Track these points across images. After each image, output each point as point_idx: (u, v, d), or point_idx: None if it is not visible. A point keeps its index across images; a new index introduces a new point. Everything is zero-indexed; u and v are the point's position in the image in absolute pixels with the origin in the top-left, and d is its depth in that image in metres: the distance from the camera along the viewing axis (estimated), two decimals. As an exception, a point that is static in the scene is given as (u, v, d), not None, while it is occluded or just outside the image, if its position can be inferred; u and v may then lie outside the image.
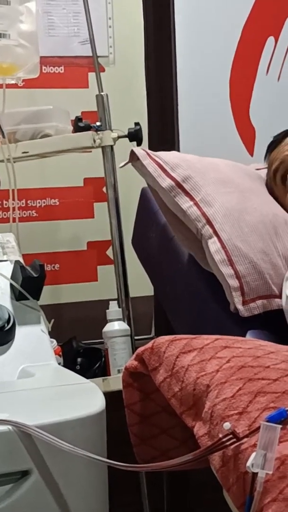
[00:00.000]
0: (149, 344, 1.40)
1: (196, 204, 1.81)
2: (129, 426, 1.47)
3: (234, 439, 1.09)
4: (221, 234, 1.76)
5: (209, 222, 1.78)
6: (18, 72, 2.17)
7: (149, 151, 1.93)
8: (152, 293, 2.45)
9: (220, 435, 1.10)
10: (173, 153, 1.99)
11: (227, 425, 1.10)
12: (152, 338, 1.45)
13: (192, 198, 1.82)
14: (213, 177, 1.87)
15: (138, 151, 1.92)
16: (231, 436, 1.09)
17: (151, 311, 2.58)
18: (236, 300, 1.72)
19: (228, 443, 1.09)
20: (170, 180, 1.84)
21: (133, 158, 1.92)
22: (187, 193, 1.82)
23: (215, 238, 1.77)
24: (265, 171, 2.07)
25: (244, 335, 1.65)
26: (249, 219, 1.80)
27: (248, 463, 1.05)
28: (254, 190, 1.91)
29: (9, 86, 2.20)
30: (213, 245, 1.76)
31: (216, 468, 1.14)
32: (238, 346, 1.31)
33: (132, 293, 2.33)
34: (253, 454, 1.04)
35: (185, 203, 1.82)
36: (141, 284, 2.38)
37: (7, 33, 2.09)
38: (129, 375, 1.44)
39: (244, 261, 1.75)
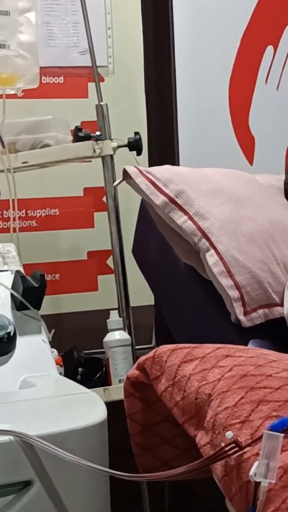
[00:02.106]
0: (151, 353, 1.40)
1: (190, 218, 1.82)
2: (131, 436, 1.47)
3: (237, 448, 1.09)
4: (218, 246, 1.77)
5: (205, 235, 1.79)
6: (18, 83, 2.17)
7: (141, 168, 1.95)
8: (152, 302, 2.44)
9: (223, 444, 1.10)
10: (166, 167, 2.00)
11: (229, 434, 1.10)
12: (152, 348, 1.45)
13: (186, 213, 1.83)
14: (206, 188, 1.88)
15: (130, 169, 1.94)
16: (233, 445, 1.09)
17: (151, 320, 2.58)
18: (238, 311, 1.72)
19: (230, 452, 1.09)
20: (163, 196, 1.85)
21: (126, 176, 1.94)
22: (181, 208, 1.83)
23: (212, 251, 1.77)
24: (265, 175, 2.09)
25: (245, 345, 1.65)
26: (245, 229, 1.80)
27: (251, 472, 1.04)
28: (249, 197, 1.91)
29: (8, 96, 2.20)
30: (211, 257, 1.77)
31: (219, 477, 1.14)
32: (240, 355, 1.31)
33: (133, 303, 2.33)
34: (256, 463, 1.04)
35: (179, 218, 1.83)
36: (141, 293, 2.38)
37: (6, 43, 2.10)
38: (130, 384, 1.44)
39: (243, 271, 1.75)
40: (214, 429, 1.19)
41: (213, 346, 1.36)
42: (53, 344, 1.78)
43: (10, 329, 1.66)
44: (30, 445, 1.20)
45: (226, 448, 1.09)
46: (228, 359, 1.30)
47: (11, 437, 1.20)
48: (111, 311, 2.22)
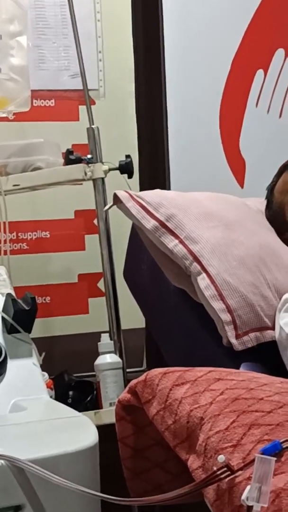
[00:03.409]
0: (142, 377, 1.39)
1: (181, 242, 1.82)
2: (122, 459, 1.46)
3: (229, 472, 1.08)
4: (209, 270, 1.77)
5: (196, 259, 1.79)
6: (9, 106, 2.18)
7: (132, 193, 1.95)
8: (143, 325, 2.44)
9: (215, 468, 1.09)
10: (156, 191, 2.00)
11: (221, 457, 1.09)
12: (143, 371, 1.45)
13: (177, 237, 1.83)
14: (196, 212, 1.88)
15: (121, 194, 1.94)
16: (225, 469, 1.08)
17: (142, 343, 2.57)
18: (229, 334, 1.72)
19: (222, 476, 1.08)
20: (154, 220, 1.86)
21: (117, 200, 1.94)
22: (171, 232, 1.84)
23: (203, 274, 1.77)
24: (254, 199, 2.09)
25: (237, 368, 1.64)
26: (236, 253, 1.81)
27: (243, 496, 1.04)
28: (239, 221, 1.91)
29: (-1, 119, 2.21)
30: (202, 281, 1.77)
31: (211, 501, 1.13)
32: (231, 378, 1.31)
33: (123, 326, 2.32)
34: (248, 487, 1.04)
35: (170, 242, 1.83)
36: (132, 316, 2.38)
37: (-2, 67, 2.11)
38: (122, 408, 1.44)
39: (234, 294, 1.75)
40: (206, 452, 1.18)
41: (204, 369, 1.35)
42: (43, 367, 1.78)
43: (1, 352, 1.65)
44: (21, 469, 1.20)
45: (218, 472, 1.08)
46: (219, 382, 1.30)
47: (2, 462, 1.20)
48: (102, 334, 2.22)
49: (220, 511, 1.12)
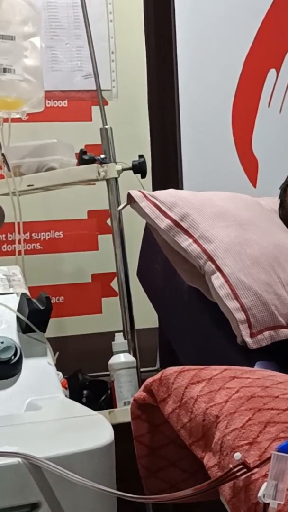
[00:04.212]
0: (158, 375, 1.40)
1: (195, 241, 1.83)
2: (137, 458, 1.46)
3: (245, 470, 1.08)
4: (224, 269, 1.78)
5: (210, 258, 1.80)
6: (23, 107, 2.18)
7: (146, 192, 1.96)
8: (156, 325, 2.44)
9: (231, 466, 1.09)
10: (169, 191, 2.01)
11: (237, 455, 1.09)
12: (157, 370, 1.46)
13: (191, 236, 1.84)
14: (210, 211, 1.89)
15: (135, 193, 1.95)
16: (241, 466, 1.08)
17: (155, 343, 2.58)
18: (244, 333, 1.73)
19: (238, 473, 1.09)
20: (168, 220, 1.86)
21: (130, 200, 1.95)
22: (185, 231, 1.84)
23: (218, 273, 1.78)
24: (267, 199, 2.09)
25: (252, 367, 1.65)
26: (250, 252, 1.81)
27: (260, 494, 1.04)
28: (252, 221, 1.92)
29: (13, 120, 2.21)
30: (217, 280, 1.78)
31: (227, 499, 1.14)
32: (247, 376, 1.32)
33: (137, 325, 2.33)
34: (264, 485, 1.04)
35: (184, 241, 1.84)
36: (145, 316, 2.39)
37: (12, 68, 2.11)
38: (137, 406, 1.44)
39: (249, 293, 1.76)
40: (222, 450, 1.18)
41: (220, 367, 1.36)
42: (57, 367, 1.78)
43: (16, 351, 1.66)
44: (38, 467, 1.20)
45: (234, 470, 1.09)
46: (235, 380, 1.30)
47: (19, 459, 1.20)
48: (116, 334, 2.22)
49: (237, 508, 1.12)
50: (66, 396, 1.79)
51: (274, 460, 1.04)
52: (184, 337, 2.02)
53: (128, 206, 1.99)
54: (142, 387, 1.43)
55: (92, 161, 2.28)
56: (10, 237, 2.57)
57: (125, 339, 2.23)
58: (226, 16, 2.66)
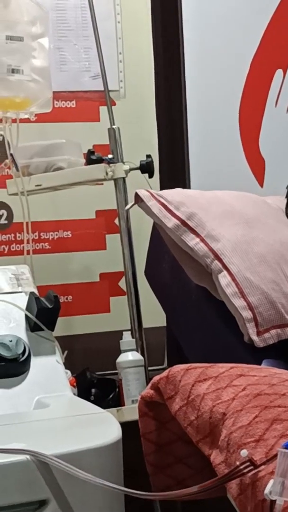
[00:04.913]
0: (165, 373, 1.41)
1: (202, 240, 1.84)
2: (145, 455, 1.47)
3: (252, 467, 1.09)
4: (231, 267, 1.79)
5: (217, 257, 1.81)
6: (31, 107, 2.19)
7: (153, 192, 1.97)
8: (164, 323, 2.45)
9: (237, 463, 1.10)
10: (177, 190, 2.02)
11: (244, 452, 1.10)
12: (165, 369, 1.46)
13: (198, 235, 1.85)
14: (217, 210, 1.90)
15: (142, 192, 1.95)
16: (248, 463, 1.09)
17: (163, 341, 2.58)
18: (251, 331, 1.74)
19: (245, 470, 1.09)
20: (175, 219, 1.87)
21: (138, 200, 1.96)
22: (192, 230, 1.85)
23: (224, 272, 1.79)
24: (274, 198, 2.10)
25: (258, 365, 1.65)
26: (257, 250, 1.82)
27: (266, 491, 1.05)
28: (259, 219, 1.93)
29: (21, 120, 2.22)
30: (224, 278, 1.78)
31: (234, 496, 1.14)
32: (253, 374, 1.32)
33: (144, 324, 2.33)
34: (271, 482, 1.04)
35: (191, 241, 1.85)
36: (152, 315, 2.39)
37: (20, 68, 2.12)
38: (145, 404, 1.45)
39: (256, 292, 1.76)
40: (228, 447, 1.19)
41: (226, 365, 1.37)
42: (66, 365, 1.79)
43: (25, 350, 1.67)
44: (46, 464, 1.21)
45: (241, 467, 1.09)
46: (241, 378, 1.31)
47: (27, 456, 1.21)
48: (124, 332, 2.23)
49: (243, 505, 1.13)
50: (74, 394, 1.80)
51: (281, 457, 1.04)
52: (191, 335, 2.03)
53: (136, 206, 2.00)
54: (150, 384, 1.44)
55: (100, 161, 2.29)
56: (18, 237, 2.57)
57: (133, 337, 2.24)
58: (233, 16, 2.67)
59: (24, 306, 1.77)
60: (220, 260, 1.80)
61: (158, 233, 2.03)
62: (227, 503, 1.26)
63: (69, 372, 1.91)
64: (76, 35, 2.68)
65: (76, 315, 2.68)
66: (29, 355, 1.67)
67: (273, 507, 1.05)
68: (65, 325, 2.59)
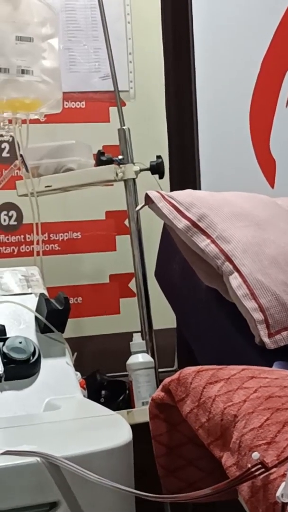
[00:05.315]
0: (176, 375, 1.40)
1: (213, 241, 1.83)
2: (156, 457, 1.47)
3: (263, 469, 1.08)
4: (242, 269, 1.78)
5: (228, 258, 1.80)
6: (41, 108, 2.19)
7: (163, 193, 1.96)
8: (174, 325, 2.45)
9: (249, 465, 1.10)
10: (187, 191, 2.01)
11: (256, 455, 1.10)
12: (175, 371, 1.46)
13: (208, 236, 1.84)
14: (228, 212, 1.89)
15: (152, 194, 1.95)
16: (260, 466, 1.08)
17: (173, 343, 2.58)
18: (262, 333, 1.73)
19: (257, 473, 1.09)
20: (186, 220, 1.87)
21: (148, 201, 1.96)
22: (203, 232, 1.85)
23: (236, 274, 1.78)
24: (285, 199, 2.09)
25: (270, 367, 1.65)
26: (268, 252, 1.81)
27: (278, 493, 1.04)
28: (270, 221, 1.92)
29: (31, 121, 2.22)
30: (235, 280, 1.78)
31: (245, 498, 1.14)
32: (265, 376, 1.32)
33: (154, 326, 2.33)
34: (283, 484, 1.04)
35: (202, 242, 1.84)
36: (162, 316, 2.39)
37: (30, 69, 2.12)
38: (155, 406, 1.45)
39: (267, 294, 1.76)
40: (240, 450, 1.19)
41: (238, 367, 1.36)
42: (75, 367, 1.79)
43: (35, 351, 1.66)
44: (56, 466, 1.21)
45: (253, 469, 1.09)
46: (253, 380, 1.30)
47: (38, 459, 1.21)
48: (134, 334, 2.22)
49: (255, 508, 1.12)
50: (84, 396, 1.80)
51: (293, 459, 1.04)
52: (202, 337, 2.02)
53: (146, 207, 1.99)
54: (160, 386, 1.44)
55: (110, 162, 2.28)
56: (28, 238, 2.58)
57: (143, 339, 2.23)
58: (243, 16, 2.66)
59: (34, 307, 1.77)
60: (231, 262, 1.79)
61: (168, 234, 2.03)
62: (238, 506, 1.25)
63: (79, 374, 1.91)
64: (86, 35, 2.68)
65: (86, 317, 2.67)
66: (39, 357, 1.67)
67: (284, 510, 1.04)
68: (75, 327, 2.59)
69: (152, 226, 2.34)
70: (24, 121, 2.20)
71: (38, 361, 1.67)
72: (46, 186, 2.27)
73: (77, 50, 2.69)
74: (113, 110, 2.60)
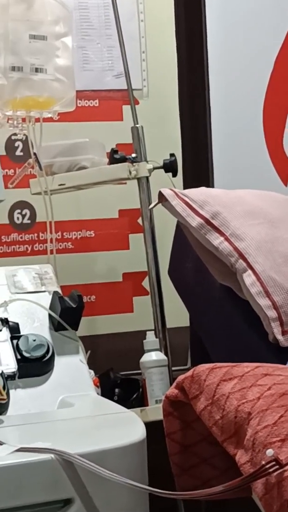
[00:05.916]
0: (189, 373, 1.40)
1: (226, 239, 1.83)
2: (170, 455, 1.47)
3: (277, 466, 1.08)
4: (255, 267, 1.78)
5: (241, 256, 1.80)
6: (54, 106, 2.19)
7: (177, 191, 1.96)
8: (187, 324, 2.45)
9: (263, 462, 1.09)
10: (200, 189, 2.01)
11: (270, 452, 1.10)
12: (188, 369, 1.46)
13: (222, 234, 1.84)
14: (241, 210, 1.89)
15: (166, 191, 1.95)
16: (274, 463, 1.08)
17: (187, 341, 2.58)
18: (276, 331, 1.73)
19: (271, 470, 1.08)
20: (199, 218, 1.87)
21: (162, 199, 1.96)
22: (217, 229, 1.85)
23: (249, 271, 1.78)
24: None
25: (283, 364, 1.64)
26: (281, 250, 1.81)
27: (292, 490, 1.04)
28: (283, 218, 1.92)
29: (45, 120, 2.22)
30: (248, 278, 1.78)
31: (260, 495, 1.14)
32: (279, 373, 1.32)
33: (168, 324, 2.33)
34: (297, 481, 1.04)
35: (216, 240, 1.84)
36: (176, 315, 2.39)
37: (44, 67, 2.12)
38: (169, 403, 1.45)
39: (281, 291, 1.76)
40: (254, 447, 1.19)
41: (252, 365, 1.36)
42: (89, 365, 1.79)
43: (49, 349, 1.67)
44: (71, 463, 1.21)
45: (267, 466, 1.08)
46: (267, 377, 1.30)
47: (52, 455, 1.21)
48: (147, 332, 2.22)
49: (269, 505, 1.12)
50: (98, 394, 1.80)
51: (307, 456, 1.04)
52: (215, 335, 2.02)
53: (159, 205, 1.99)
54: (174, 384, 1.44)
55: (123, 160, 2.28)
56: (42, 236, 2.58)
57: (156, 337, 2.23)
58: (256, 15, 2.66)
59: (47, 305, 1.77)
60: (245, 259, 1.79)
61: (181, 233, 2.03)
62: (251, 504, 1.25)
63: (92, 372, 1.91)
64: (99, 34, 2.68)
65: (100, 315, 2.68)
66: (53, 355, 1.67)
67: (299, 507, 1.04)
68: (88, 325, 2.59)
69: (165, 224, 2.33)
70: (37, 120, 2.21)
71: (52, 359, 1.67)
72: (59, 185, 2.27)
73: (90, 48, 2.69)
74: (126, 109, 2.61)
